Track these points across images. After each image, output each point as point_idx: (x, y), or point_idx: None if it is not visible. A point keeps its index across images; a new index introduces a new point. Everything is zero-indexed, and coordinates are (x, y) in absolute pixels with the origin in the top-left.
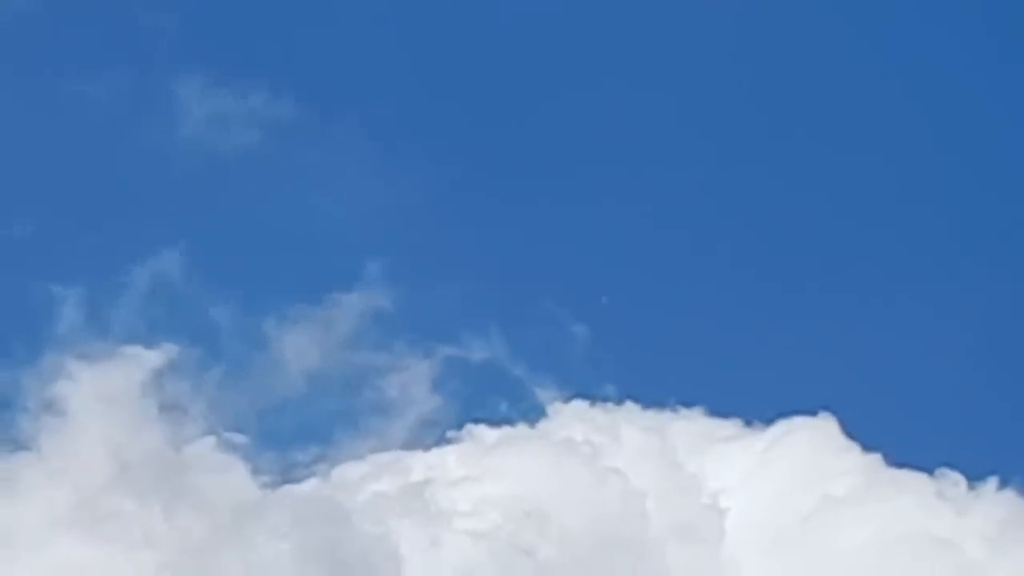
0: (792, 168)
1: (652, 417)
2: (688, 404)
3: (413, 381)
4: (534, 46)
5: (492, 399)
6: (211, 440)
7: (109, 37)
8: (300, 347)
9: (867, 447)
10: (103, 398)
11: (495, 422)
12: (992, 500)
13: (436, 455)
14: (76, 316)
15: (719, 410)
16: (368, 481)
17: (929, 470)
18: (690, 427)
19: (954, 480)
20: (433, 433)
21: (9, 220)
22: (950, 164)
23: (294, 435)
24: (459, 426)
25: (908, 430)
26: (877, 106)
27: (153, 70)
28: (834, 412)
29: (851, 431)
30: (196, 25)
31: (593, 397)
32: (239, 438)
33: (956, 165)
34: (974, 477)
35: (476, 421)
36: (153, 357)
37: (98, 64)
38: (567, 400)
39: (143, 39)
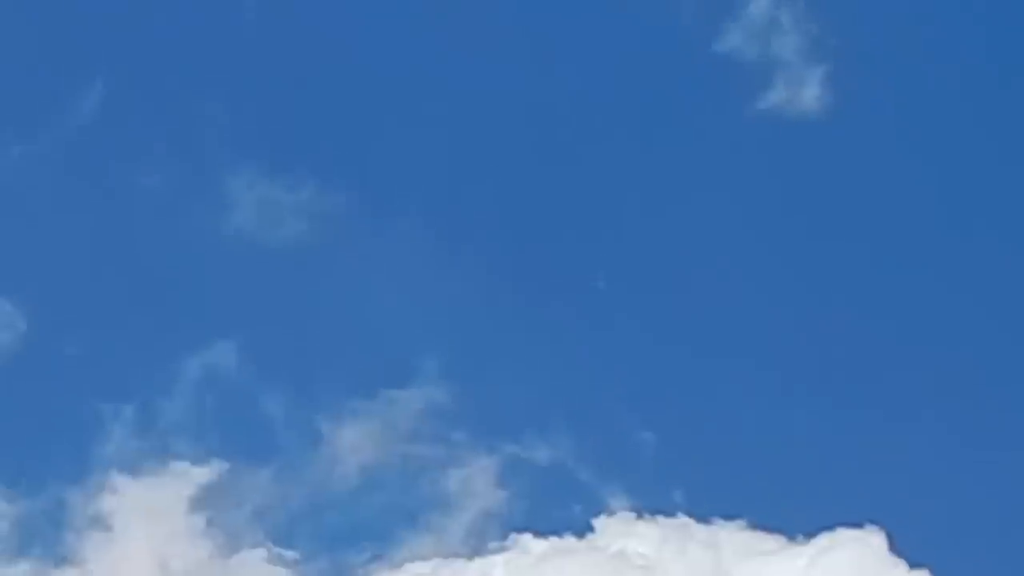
0: (841, 284)
1: (695, 529)
2: (730, 516)
3: (475, 476)
4: (600, 143)
5: (553, 502)
6: (261, 552)
7: (160, 128)
8: (355, 442)
9: (914, 564)
10: (150, 513)
11: (546, 531)
12: None
13: (483, 564)
14: (125, 429)
15: (762, 522)
16: None
17: None
18: (732, 539)
19: None
20: (494, 532)
21: (59, 323)
22: (999, 280)
23: (348, 534)
24: (518, 528)
25: (957, 546)
26: (929, 227)
27: (204, 162)
28: (881, 526)
29: (897, 547)
30: (247, 116)
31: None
32: (290, 553)
33: (1006, 281)
34: None
35: (528, 528)
36: (202, 474)
37: (148, 156)
38: (625, 508)
39: (194, 130)
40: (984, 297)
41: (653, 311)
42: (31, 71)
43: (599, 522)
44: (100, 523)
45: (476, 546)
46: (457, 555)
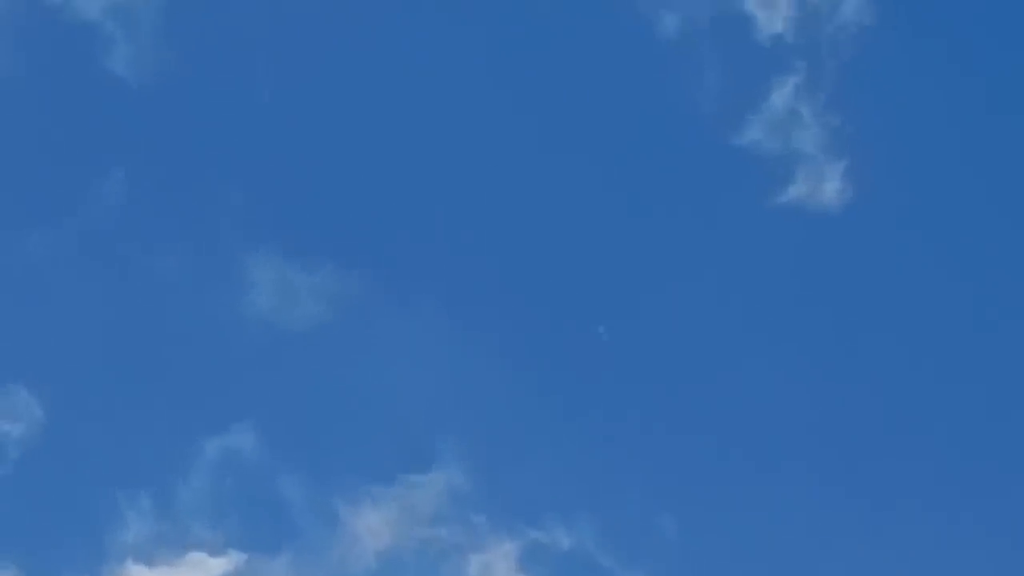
0: (861, 376)
1: None
2: None
3: (495, 561)
4: (617, 233)
5: None
6: None
7: (177, 212)
8: (374, 526)
9: None
10: None
11: None
12: None
13: None
14: (141, 517)
15: None
16: None
17: None
18: None
19: None
20: None
21: (77, 410)
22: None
23: None
24: None
25: None
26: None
27: (221, 244)
28: None
29: None
30: (264, 198)
31: None
32: None
33: None
34: None
35: None
36: (219, 564)
37: (165, 238)
38: None
39: (210, 212)
40: (1009, 392)
41: (673, 397)
42: (51, 158)
43: None
44: None
45: None
46: None
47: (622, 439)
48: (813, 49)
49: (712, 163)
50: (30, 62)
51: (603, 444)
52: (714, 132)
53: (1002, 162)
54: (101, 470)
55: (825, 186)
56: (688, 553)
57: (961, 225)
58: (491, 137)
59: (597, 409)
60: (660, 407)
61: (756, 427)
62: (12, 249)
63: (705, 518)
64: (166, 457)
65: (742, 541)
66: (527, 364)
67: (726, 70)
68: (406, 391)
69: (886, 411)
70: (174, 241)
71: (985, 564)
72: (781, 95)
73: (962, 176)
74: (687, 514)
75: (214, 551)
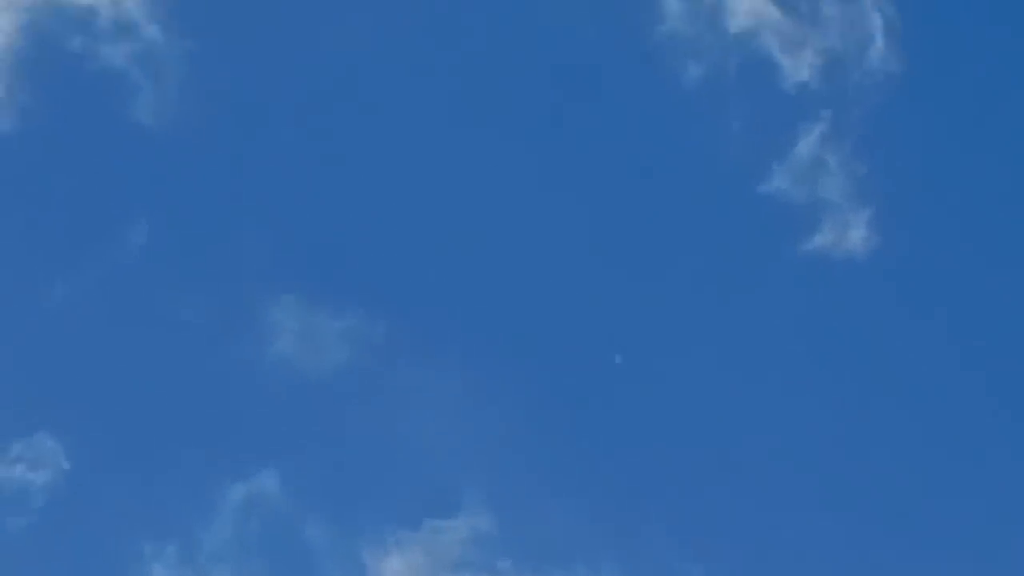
0: (886, 428)
1: None
2: None
3: None
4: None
5: None
6: None
7: (200, 256)
8: (400, 572)
9: None
10: None
11: None
12: None
13: None
14: (167, 568)
15: None
16: None
17: None
18: None
19: None
20: None
21: (102, 460)
22: None
23: None
24: None
25: None
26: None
27: (245, 291)
28: None
29: None
30: (288, 244)
31: None
32: None
33: None
34: None
35: None
36: None
37: (189, 285)
38: None
39: (234, 258)
40: None
41: (699, 445)
42: (74, 207)
43: None
44: None
45: None
46: None
47: (648, 486)
48: (839, 97)
49: (737, 211)
50: (54, 110)
51: (629, 491)
52: (739, 180)
53: None
54: (126, 518)
55: (851, 234)
56: None
57: (988, 274)
58: (516, 188)
59: (623, 456)
60: (685, 455)
61: (783, 477)
62: (36, 297)
63: (731, 568)
64: (191, 505)
65: None
66: (552, 410)
67: (751, 118)
68: (431, 436)
69: (916, 463)
70: (198, 287)
71: None
72: (807, 143)
73: (989, 225)
74: (713, 563)
75: None
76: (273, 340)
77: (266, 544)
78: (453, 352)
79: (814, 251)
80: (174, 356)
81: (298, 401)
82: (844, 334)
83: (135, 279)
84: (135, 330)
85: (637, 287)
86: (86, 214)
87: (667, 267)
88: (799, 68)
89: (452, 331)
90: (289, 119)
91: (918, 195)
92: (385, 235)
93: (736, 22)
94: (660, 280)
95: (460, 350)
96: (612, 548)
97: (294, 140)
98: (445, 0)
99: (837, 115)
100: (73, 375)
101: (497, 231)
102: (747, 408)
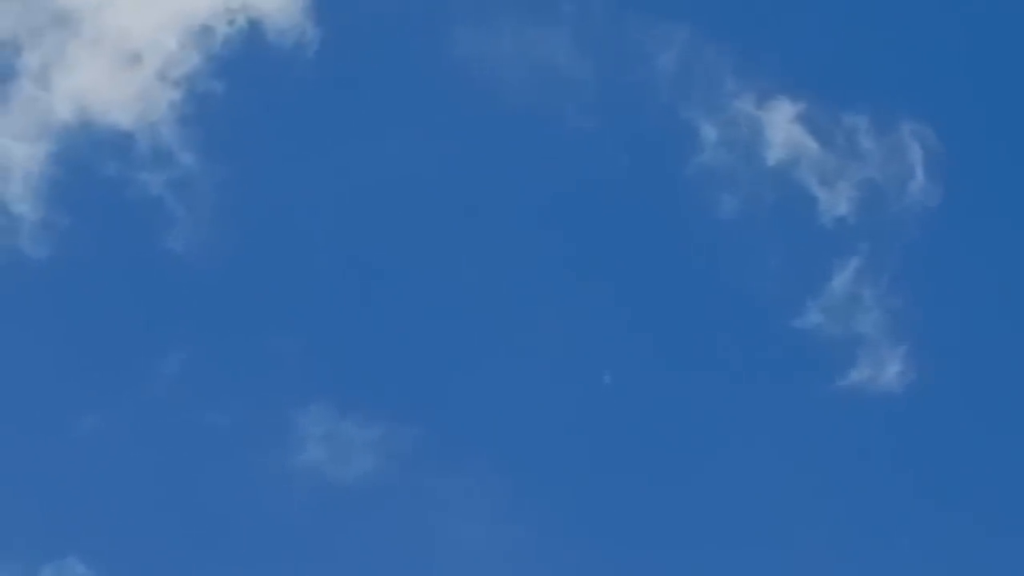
0: (923, 559)
1: None
2: None
3: None
4: (674, 417)
5: None
6: None
7: (230, 362)
8: None
9: None
10: None
11: None
12: None
13: None
14: None
15: None
16: None
17: None
18: None
19: None
20: None
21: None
22: None
23: None
24: None
25: None
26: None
27: (273, 397)
28: None
29: None
30: (319, 351)
31: None
32: None
33: None
34: None
35: None
36: None
37: (218, 391)
38: None
39: (264, 365)
40: None
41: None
42: (109, 336)
43: None
44: None
45: None
46: None
47: None
48: (876, 231)
49: (772, 346)
50: (88, 237)
51: None
52: (774, 315)
53: None
54: None
55: (887, 369)
56: None
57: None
58: (550, 311)
59: (655, 568)
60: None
61: None
62: (67, 423)
63: None
64: None
65: None
66: (583, 525)
67: (787, 251)
68: (459, 548)
69: None
70: (225, 392)
71: None
72: (843, 277)
73: None
74: None
75: None
76: (300, 448)
77: None
78: (483, 463)
79: (850, 387)
80: (203, 472)
81: (325, 510)
82: (881, 469)
83: (166, 405)
84: (165, 454)
85: (671, 420)
86: (119, 342)
87: (700, 401)
88: (836, 201)
89: (482, 441)
90: (320, 239)
91: (955, 330)
92: (415, 345)
93: (773, 154)
94: (693, 413)
95: (490, 461)
96: None
97: (322, 242)
98: (478, 127)
99: (874, 248)
100: (102, 500)
101: (529, 350)
102: (787, 547)
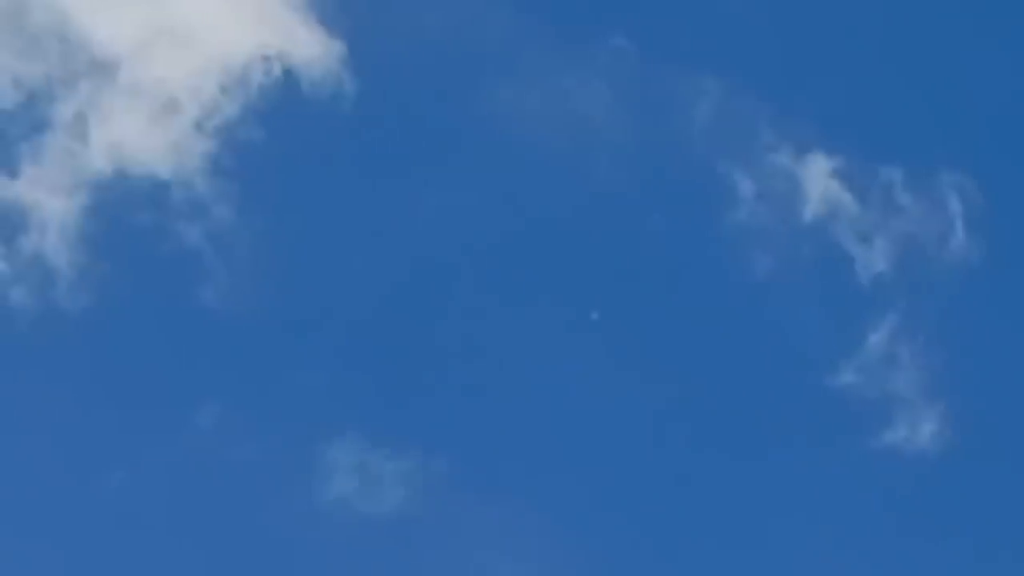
0: None
1: None
2: None
3: None
4: (710, 471)
5: None
6: None
7: (260, 398)
8: None
9: None
10: None
11: None
12: None
13: None
14: None
15: None
16: None
17: None
18: None
19: None
20: None
21: None
22: None
23: None
24: None
25: None
26: None
27: (302, 430)
28: None
29: None
30: (348, 383)
31: None
32: None
33: None
34: None
35: None
36: None
37: (247, 426)
38: None
39: (293, 398)
40: None
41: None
42: (139, 398)
43: None
44: None
45: None
46: None
47: None
48: (914, 289)
49: (806, 405)
50: (123, 290)
51: None
52: (809, 373)
53: None
54: None
55: (923, 428)
56: None
57: None
58: (583, 358)
59: None
60: None
61: None
62: (96, 479)
63: None
64: None
65: None
66: (619, 561)
67: (822, 308)
68: None
69: None
70: (254, 426)
71: None
72: (879, 336)
73: None
74: None
75: None
76: (330, 480)
77: None
78: (515, 495)
79: (885, 447)
80: (227, 495)
81: (355, 542)
82: (917, 530)
83: (199, 462)
84: (190, 469)
85: (703, 473)
86: (154, 394)
87: (733, 464)
88: (873, 258)
89: (513, 474)
90: (355, 284)
91: (992, 389)
92: (447, 374)
93: (810, 209)
94: (725, 472)
95: (522, 493)
96: None
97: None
98: (512, 178)
99: (911, 306)
100: (134, 553)
101: (563, 388)
102: None
